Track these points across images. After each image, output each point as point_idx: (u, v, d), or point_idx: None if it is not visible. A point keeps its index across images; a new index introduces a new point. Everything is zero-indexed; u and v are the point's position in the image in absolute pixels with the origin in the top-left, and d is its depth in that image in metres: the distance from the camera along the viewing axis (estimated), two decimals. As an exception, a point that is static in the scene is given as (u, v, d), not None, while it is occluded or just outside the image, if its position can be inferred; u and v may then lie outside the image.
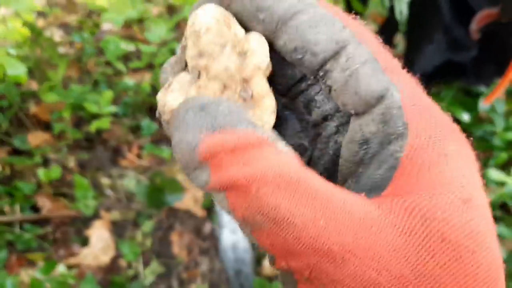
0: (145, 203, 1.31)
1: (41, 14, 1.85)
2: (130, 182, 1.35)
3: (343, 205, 0.22)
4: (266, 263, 1.21)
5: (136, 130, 1.49)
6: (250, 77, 0.26)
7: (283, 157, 0.22)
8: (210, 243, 1.26)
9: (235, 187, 0.22)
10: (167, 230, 1.28)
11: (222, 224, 1.24)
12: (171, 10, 1.82)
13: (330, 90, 0.26)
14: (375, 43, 0.27)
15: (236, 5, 0.27)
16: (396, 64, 0.27)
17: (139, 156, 1.44)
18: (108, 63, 1.63)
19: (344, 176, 0.27)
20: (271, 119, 0.27)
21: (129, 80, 1.55)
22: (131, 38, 1.69)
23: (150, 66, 1.61)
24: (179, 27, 1.69)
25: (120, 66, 1.55)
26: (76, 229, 1.28)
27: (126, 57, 1.66)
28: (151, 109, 1.54)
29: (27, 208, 1.28)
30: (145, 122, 1.47)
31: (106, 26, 1.77)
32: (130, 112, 1.50)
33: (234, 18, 0.26)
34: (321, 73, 0.26)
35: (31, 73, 1.46)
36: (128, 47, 1.51)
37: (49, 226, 1.27)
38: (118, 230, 1.28)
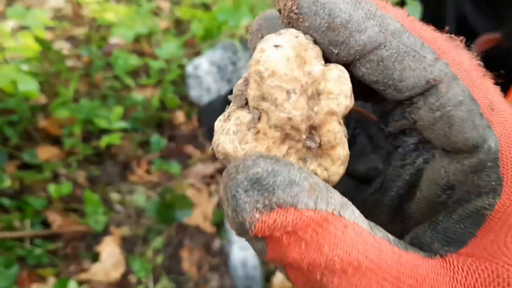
0: (155, 219, 1.32)
1: (48, 27, 1.86)
2: (140, 197, 1.36)
3: (414, 283, 0.20)
4: (275, 280, 1.23)
5: (145, 145, 1.50)
6: (321, 124, 0.23)
7: (350, 234, 0.20)
8: (220, 260, 1.27)
9: (296, 268, 0.20)
10: (177, 246, 1.29)
11: (232, 241, 1.26)
12: (179, 24, 1.84)
13: (414, 122, 0.23)
14: (475, 73, 0.23)
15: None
16: (499, 100, 0.23)
17: (148, 171, 1.45)
18: (116, 77, 1.64)
19: (422, 215, 0.25)
20: (341, 169, 0.24)
21: (138, 95, 1.56)
22: (139, 52, 1.71)
23: (159, 81, 1.63)
24: (187, 43, 1.70)
25: (129, 81, 1.56)
26: (87, 244, 1.29)
27: (134, 72, 1.67)
28: (160, 125, 1.55)
29: (38, 223, 1.29)
30: (155, 137, 1.48)
31: (113, 40, 1.78)
32: (139, 127, 1.51)
33: (315, 46, 0.23)
34: (405, 105, 0.23)
35: (40, 87, 1.47)
36: (137, 61, 1.52)
37: (60, 242, 1.28)
38: (128, 245, 1.29)
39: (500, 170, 0.21)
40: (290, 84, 0.22)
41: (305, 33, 0.23)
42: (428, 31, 0.23)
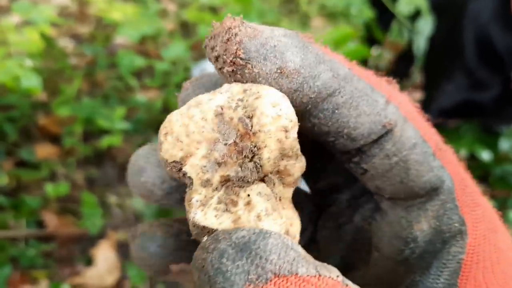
0: (153, 224, 1.29)
1: (53, 23, 1.84)
2: (138, 201, 1.33)
3: None
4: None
5: (145, 147, 1.47)
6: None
7: None
8: (218, 269, 1.24)
9: None
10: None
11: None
12: (185, 27, 1.82)
13: (363, 173, 0.22)
14: (416, 113, 0.23)
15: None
16: (440, 138, 0.23)
17: (148, 175, 1.42)
18: (119, 78, 1.62)
19: (391, 281, 0.22)
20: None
21: (141, 97, 1.54)
22: (143, 53, 1.68)
23: (163, 83, 1.60)
24: (194, 46, 1.68)
25: (133, 81, 1.53)
26: (82, 247, 1.26)
27: (138, 73, 1.65)
28: (162, 127, 1.52)
29: (33, 223, 1.26)
30: (155, 140, 1.45)
31: (118, 39, 1.76)
32: (140, 129, 1.48)
33: None
34: (355, 158, 0.22)
35: (42, 83, 1.44)
36: (142, 62, 1.49)
37: (54, 243, 1.25)
38: (124, 250, 1.26)
39: (459, 210, 0.21)
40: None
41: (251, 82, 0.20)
42: (371, 74, 0.22)
